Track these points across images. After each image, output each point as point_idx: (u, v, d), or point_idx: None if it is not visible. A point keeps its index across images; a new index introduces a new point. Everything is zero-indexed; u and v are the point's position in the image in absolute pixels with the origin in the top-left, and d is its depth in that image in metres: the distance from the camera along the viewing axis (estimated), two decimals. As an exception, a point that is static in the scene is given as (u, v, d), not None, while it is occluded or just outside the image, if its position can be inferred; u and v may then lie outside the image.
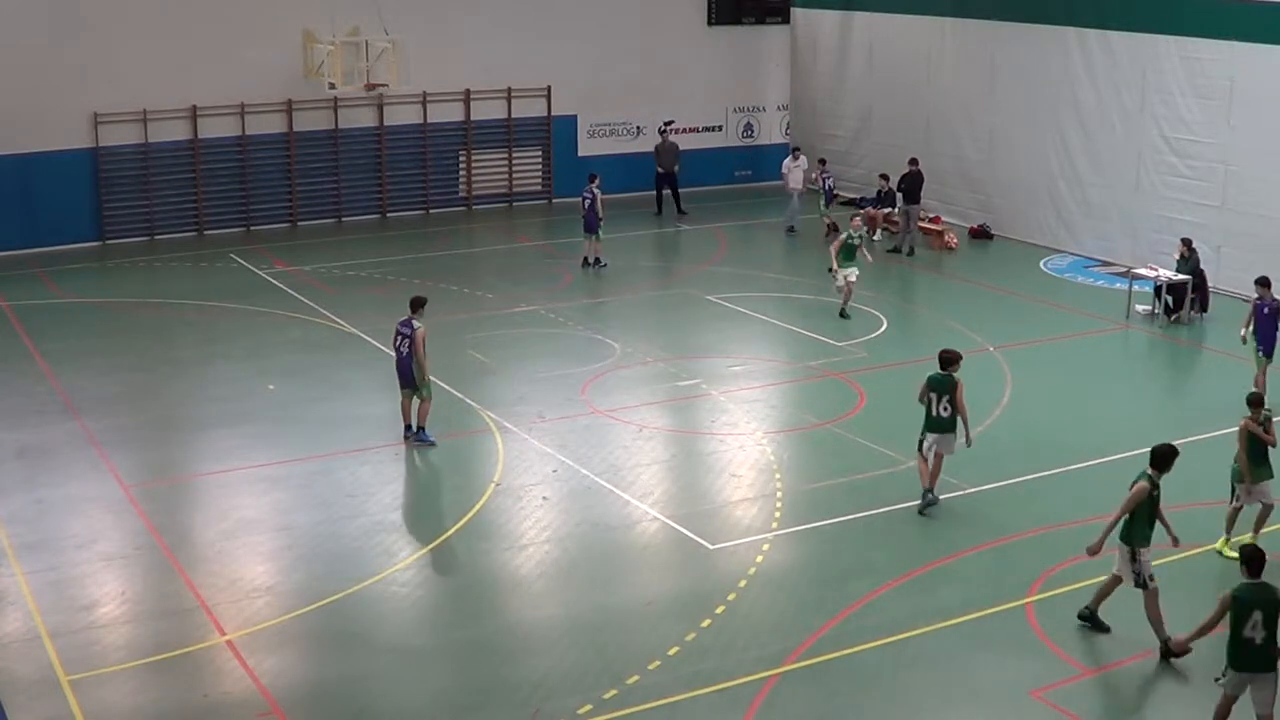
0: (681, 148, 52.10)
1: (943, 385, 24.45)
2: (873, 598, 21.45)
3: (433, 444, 27.31)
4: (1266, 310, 30.17)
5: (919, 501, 24.44)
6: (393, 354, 27.98)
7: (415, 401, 27.49)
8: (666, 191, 49.93)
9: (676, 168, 49.35)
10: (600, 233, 41.43)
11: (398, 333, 27.41)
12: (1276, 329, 30.12)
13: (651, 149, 50.48)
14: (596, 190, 41.39)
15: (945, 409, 24.29)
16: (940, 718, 18.51)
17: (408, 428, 27.51)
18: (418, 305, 27.66)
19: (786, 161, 47.62)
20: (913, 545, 23.30)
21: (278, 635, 20.21)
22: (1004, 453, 27.18)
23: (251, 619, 20.60)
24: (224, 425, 28.86)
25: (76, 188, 44.59)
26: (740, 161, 55.82)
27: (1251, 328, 30.41)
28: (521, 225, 48.43)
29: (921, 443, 24.55)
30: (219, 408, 29.88)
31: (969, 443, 24.49)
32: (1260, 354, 30.20)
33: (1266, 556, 16.97)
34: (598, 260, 41.42)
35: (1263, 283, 30.53)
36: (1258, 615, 16.31)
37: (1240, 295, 38.28)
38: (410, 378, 27.22)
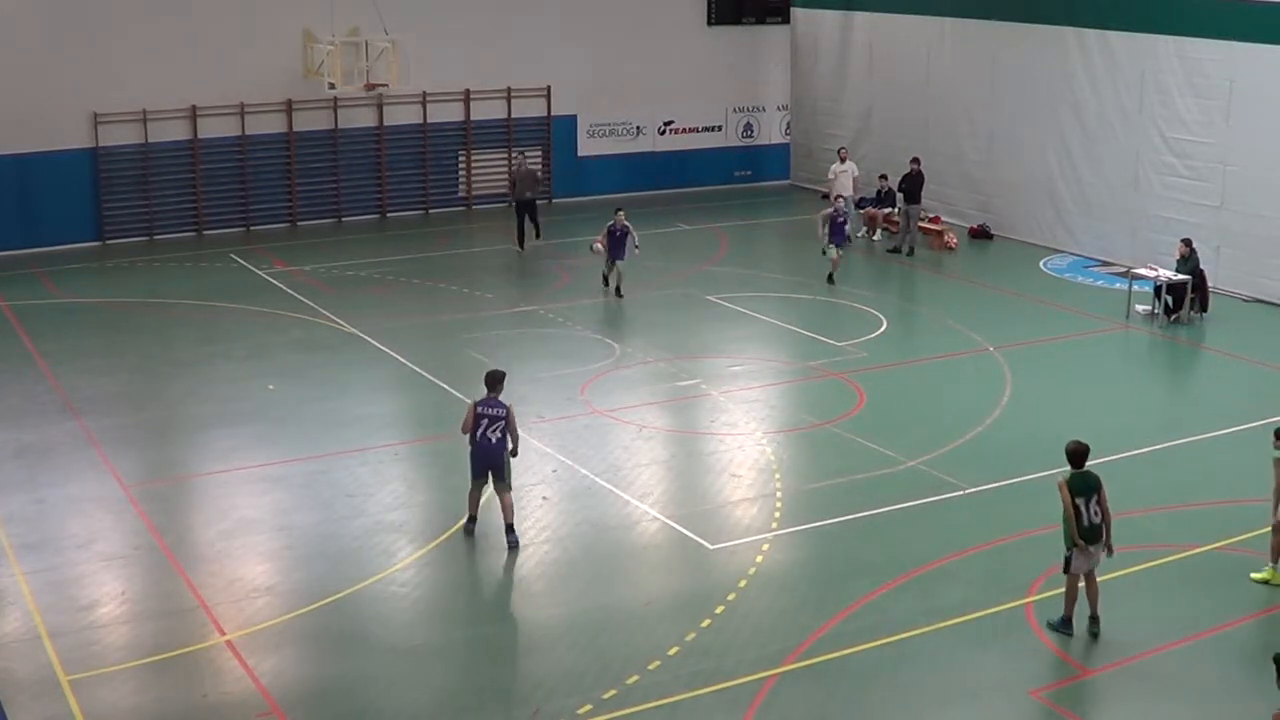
0: (681, 148, 52.34)
1: (1093, 485, 20.39)
2: (872, 598, 21.45)
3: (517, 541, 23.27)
4: None
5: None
6: (471, 435, 23.17)
7: (488, 492, 23.63)
8: (531, 221, 45.14)
9: (531, 194, 44.91)
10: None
11: (481, 416, 22.93)
12: None
13: (513, 174, 46.23)
14: (628, 223, 38.48)
15: (1096, 514, 20.23)
16: (939, 717, 18.50)
17: (472, 519, 23.55)
18: (498, 381, 23.41)
19: (834, 166, 46.92)
20: (912, 545, 23.28)
21: (277, 635, 20.21)
22: (1004, 452, 27.23)
23: (251, 619, 20.60)
24: (224, 425, 28.87)
25: (76, 188, 44.61)
26: (740, 161, 55.84)
27: None
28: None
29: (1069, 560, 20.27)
30: (219, 408, 29.89)
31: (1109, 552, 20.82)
32: None
33: None
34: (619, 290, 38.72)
35: None
36: None
37: (1239, 295, 38.40)
38: (502, 468, 23.06)
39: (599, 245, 38.20)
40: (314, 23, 45.73)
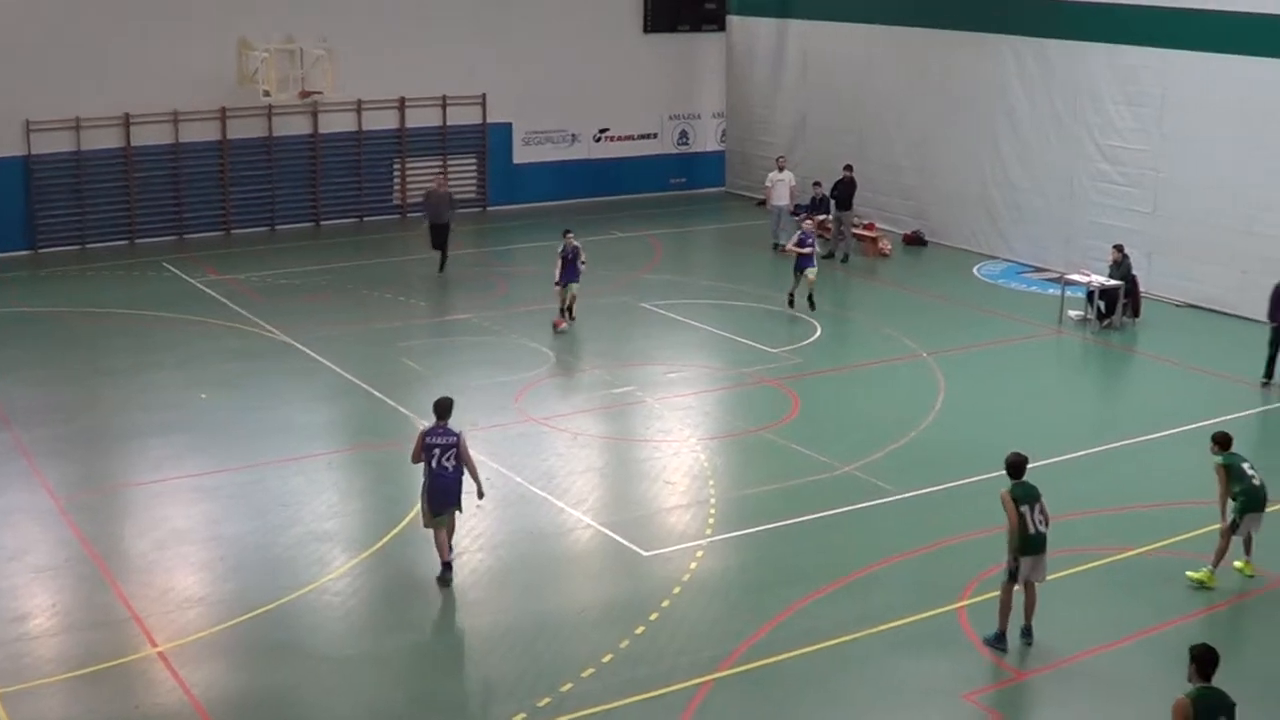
0: (617, 155, 52.44)
1: (1034, 495, 20.37)
2: (805, 603, 21.50)
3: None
4: None
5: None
6: (425, 463, 22.20)
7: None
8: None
9: (449, 219, 42.97)
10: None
11: (431, 445, 21.99)
12: None
13: (427, 195, 43.80)
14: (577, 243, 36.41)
15: (1042, 522, 20.15)
16: (872, 722, 18.61)
17: (447, 566, 22.17)
18: (448, 409, 22.38)
19: (771, 174, 46.83)
20: (845, 551, 23.36)
21: (210, 646, 20.09)
22: (937, 457, 27.34)
23: (184, 630, 20.48)
24: (156, 435, 28.71)
25: (8, 196, 44.25)
26: (675, 169, 55.92)
27: None
28: (456, 233, 48.29)
29: (1015, 571, 20.19)
30: (151, 417, 29.72)
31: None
32: None
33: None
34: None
35: None
36: None
37: (1171, 300, 38.68)
38: (457, 496, 22.21)
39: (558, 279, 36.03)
40: (249, 30, 45.57)
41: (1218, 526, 22.15)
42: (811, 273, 37.05)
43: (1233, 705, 14.67)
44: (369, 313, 37.07)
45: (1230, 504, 22.04)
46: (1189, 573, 22.01)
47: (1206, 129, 38.66)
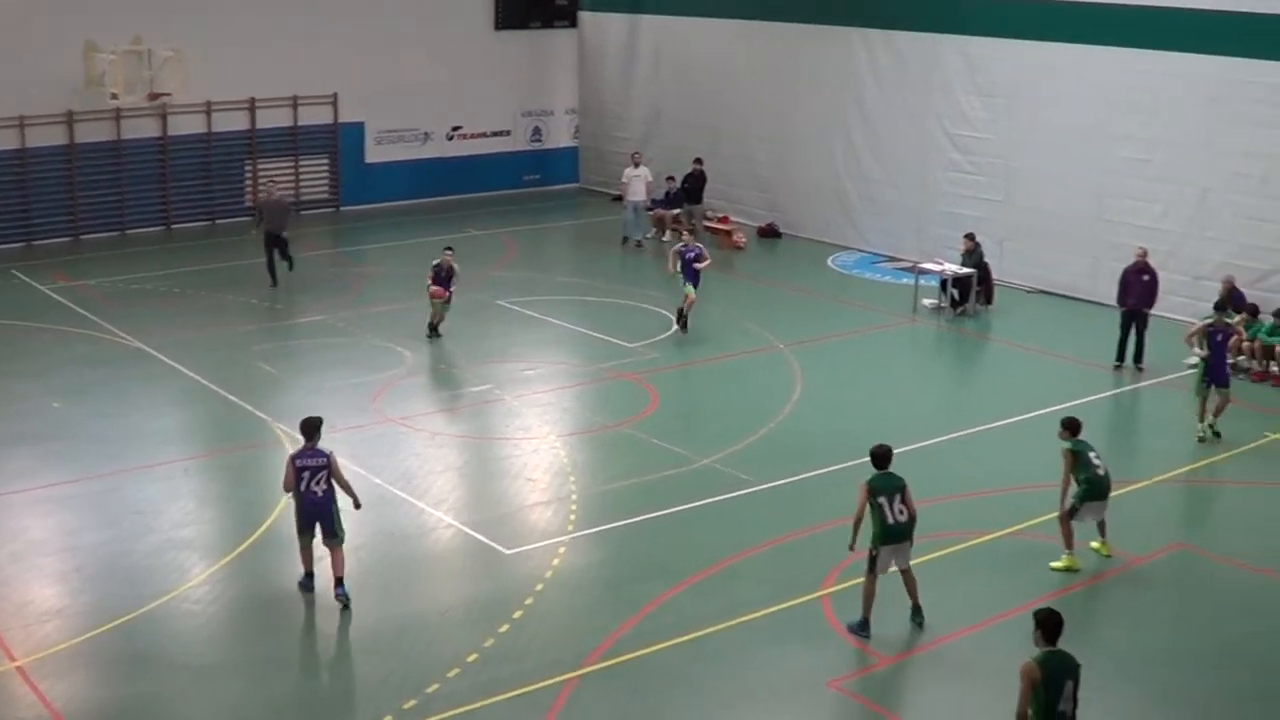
0: (470, 153, 52.32)
1: (897, 485, 20.54)
2: (669, 596, 21.55)
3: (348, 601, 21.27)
4: (1220, 337, 28.80)
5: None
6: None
7: (320, 546, 21.62)
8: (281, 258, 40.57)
9: (285, 232, 40.13)
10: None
11: (301, 469, 21.03)
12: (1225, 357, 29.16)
13: (258, 205, 42.06)
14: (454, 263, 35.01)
15: (901, 512, 20.34)
16: (740, 713, 18.65)
17: (309, 575, 21.62)
18: (315, 429, 21.42)
19: (627, 170, 46.78)
20: (707, 543, 23.44)
21: (70, 659, 19.78)
22: (796, 448, 27.50)
23: (42, 643, 20.14)
24: (8, 445, 28.18)
25: None
26: (529, 165, 55.81)
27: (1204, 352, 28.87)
28: (309, 234, 47.96)
29: (875, 559, 20.37)
30: (3, 428, 29.14)
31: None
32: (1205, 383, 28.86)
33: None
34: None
35: (1220, 306, 29.96)
36: (1069, 686, 15.06)
37: (1023, 287, 39.18)
38: (330, 520, 21.19)
39: (432, 287, 34.76)
40: (95, 32, 44.88)
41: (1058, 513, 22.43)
42: (691, 291, 35.22)
43: (1078, 666, 15.01)
44: (222, 316, 36.66)
45: (1072, 490, 22.29)
46: (1052, 564, 22.24)
47: (1055, 118, 39.26)
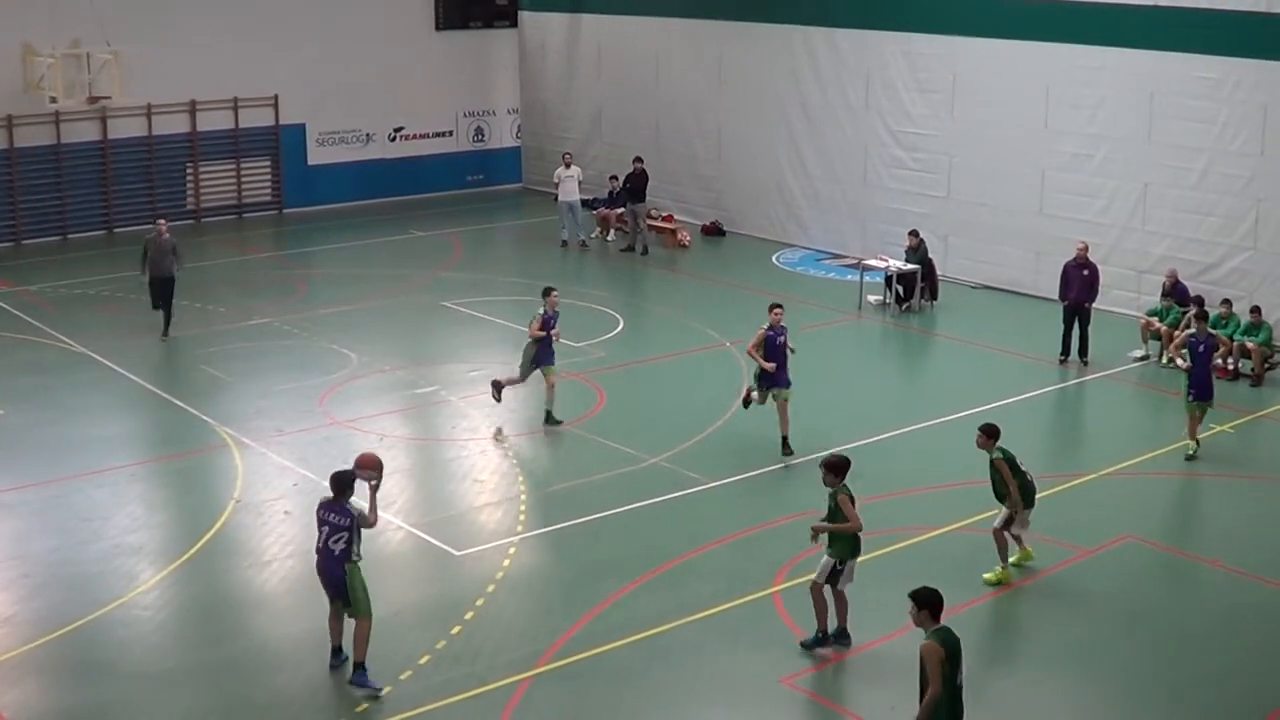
0: (413, 154, 52.28)
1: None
2: (621, 595, 21.57)
3: (377, 691, 18.89)
4: (1203, 348, 27.52)
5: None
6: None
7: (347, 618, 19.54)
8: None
9: (176, 269, 35.84)
10: None
11: (323, 522, 19.12)
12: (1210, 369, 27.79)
13: (147, 244, 36.08)
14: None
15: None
16: (693, 710, 18.68)
17: (337, 651, 19.55)
18: (342, 486, 19.21)
19: (559, 171, 46.52)
20: (658, 541, 23.47)
21: (18, 667, 19.64)
22: (744, 445, 27.54)
23: (-11, 651, 20.10)
24: (-49, 453, 28.07)
25: None
26: (472, 166, 55.75)
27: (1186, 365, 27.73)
28: (252, 237, 47.86)
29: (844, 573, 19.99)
30: (-55, 435, 29.06)
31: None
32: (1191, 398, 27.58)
33: None
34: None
35: (1201, 316, 29.00)
36: (960, 660, 15.42)
37: (967, 282, 39.37)
38: (344, 588, 19.04)
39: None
40: (33, 35, 44.64)
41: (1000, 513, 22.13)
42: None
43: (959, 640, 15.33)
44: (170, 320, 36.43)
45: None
46: (985, 576, 22.04)
47: (997, 114, 39.47)
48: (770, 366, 26.98)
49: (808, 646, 19.84)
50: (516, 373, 29.60)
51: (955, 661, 15.07)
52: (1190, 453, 27.30)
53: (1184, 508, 26.14)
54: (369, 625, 18.95)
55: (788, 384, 27.28)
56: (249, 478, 26.29)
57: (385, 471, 19.65)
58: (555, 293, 29.77)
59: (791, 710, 18.86)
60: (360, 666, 18.91)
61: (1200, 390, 27.21)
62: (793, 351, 27.55)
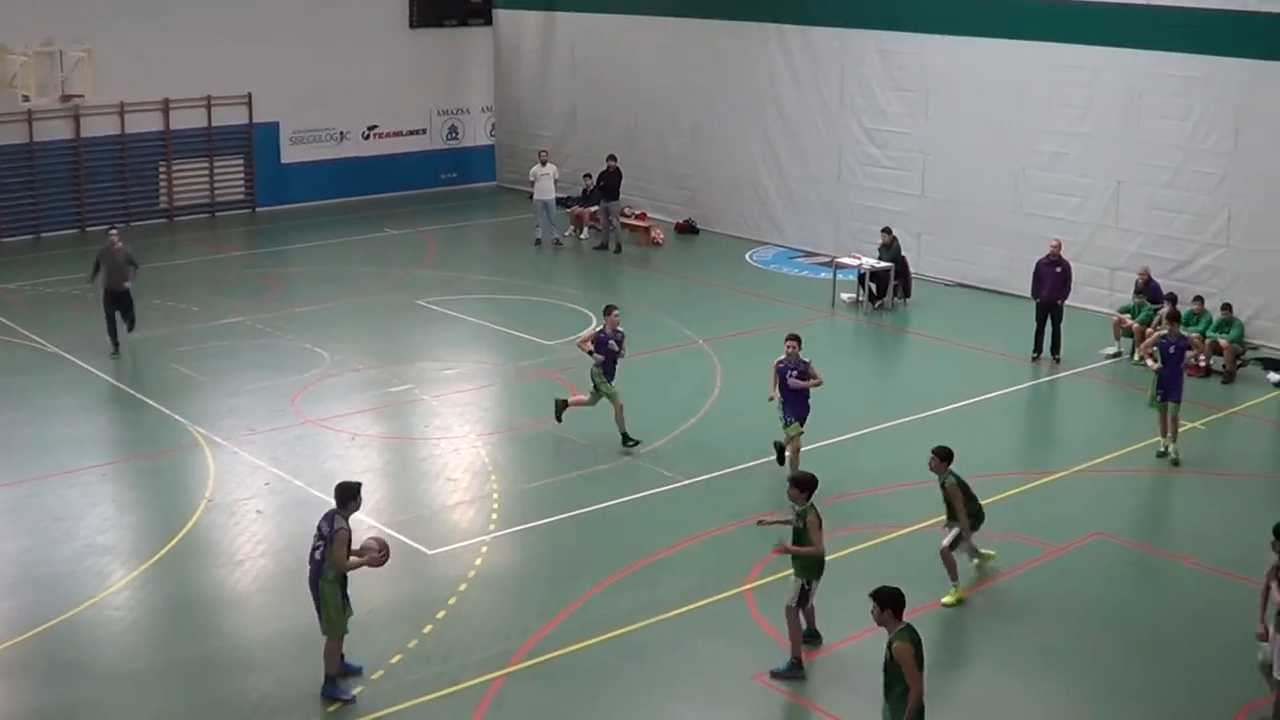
0: (386, 152, 52.24)
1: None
2: (593, 593, 21.58)
3: (349, 700, 18.66)
4: (1173, 349, 27.20)
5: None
6: None
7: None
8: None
9: (129, 283, 34.38)
10: None
11: (317, 529, 18.99)
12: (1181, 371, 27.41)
13: (101, 255, 34.55)
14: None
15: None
16: (666, 707, 18.71)
17: (327, 679, 18.89)
18: (342, 496, 18.95)
19: (534, 169, 46.31)
20: (631, 539, 23.50)
21: (-11, 666, 19.70)
22: (717, 443, 27.58)
23: (-39, 651, 20.04)
24: (-75, 452, 27.98)
25: None
26: (446, 164, 55.72)
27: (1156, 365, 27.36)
28: (225, 235, 47.79)
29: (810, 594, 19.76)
30: (-83, 434, 28.96)
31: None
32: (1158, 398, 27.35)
33: None
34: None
35: (1174, 316, 28.40)
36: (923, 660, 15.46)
37: (941, 280, 39.47)
38: (317, 599, 18.71)
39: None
40: (6, 34, 44.51)
41: (951, 533, 21.59)
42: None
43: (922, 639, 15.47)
44: (139, 319, 36.20)
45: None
46: (944, 600, 21.38)
47: (971, 112, 39.56)
48: (773, 395, 25.73)
49: (779, 675, 19.39)
50: (585, 395, 28.35)
51: (921, 662, 15.17)
52: (1162, 449, 27.23)
53: (1155, 505, 26.23)
54: (334, 646, 18.70)
55: (803, 418, 25.51)
56: (221, 477, 26.23)
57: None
58: (616, 311, 28.19)
59: (764, 707, 18.86)
60: (329, 680, 18.76)
61: (1169, 391, 27.02)
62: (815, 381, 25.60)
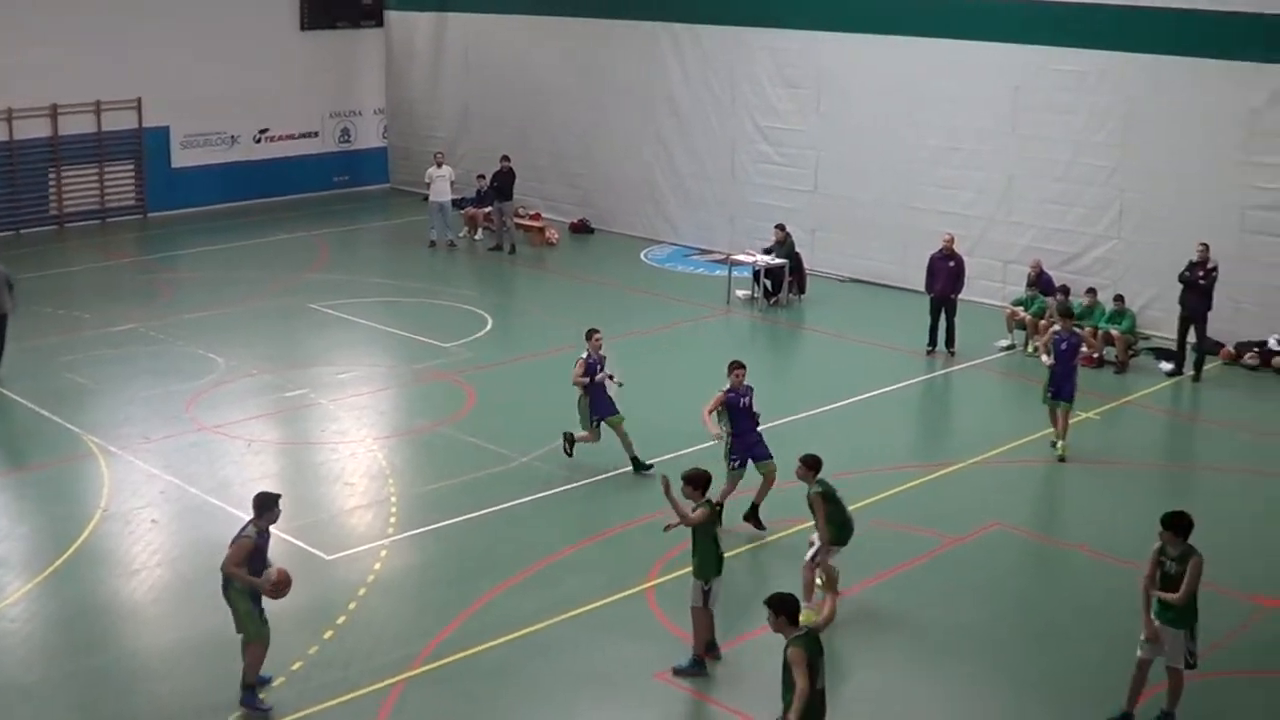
0: (277, 155, 51.81)
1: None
2: (494, 595, 21.53)
3: (265, 711, 18.39)
4: (1065, 346, 27.12)
5: None
6: None
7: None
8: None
9: (11, 306, 32.56)
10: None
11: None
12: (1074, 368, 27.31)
13: None
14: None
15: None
16: (569, 707, 18.69)
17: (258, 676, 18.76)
18: (257, 505, 18.64)
19: (430, 170, 46.13)
20: (531, 540, 23.44)
21: (-121, 682, 19.40)
22: (614, 443, 27.43)
23: None
24: None
25: None
26: (339, 167, 55.40)
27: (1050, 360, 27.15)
28: (116, 241, 47.28)
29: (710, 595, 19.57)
30: None
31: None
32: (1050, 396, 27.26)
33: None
34: None
35: (1065, 312, 28.59)
36: (821, 664, 15.54)
37: (835, 276, 39.66)
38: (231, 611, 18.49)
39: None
40: (-114, 41, 44.04)
41: (814, 543, 20.94)
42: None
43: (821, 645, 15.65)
44: (29, 328, 35.64)
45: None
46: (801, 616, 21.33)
47: (863, 108, 39.83)
48: (716, 432, 23.94)
49: (681, 672, 19.38)
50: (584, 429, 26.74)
51: (815, 668, 15.19)
52: (1053, 442, 27.30)
53: (1050, 495, 26.43)
54: (256, 650, 18.39)
55: (768, 455, 24.01)
56: (116, 486, 25.94)
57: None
58: (598, 334, 26.76)
59: (667, 704, 18.86)
60: (248, 688, 18.44)
61: (1059, 389, 27.02)
62: (757, 415, 24.40)
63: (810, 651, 15.19)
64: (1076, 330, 28.18)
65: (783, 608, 15.44)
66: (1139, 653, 17.84)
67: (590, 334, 26.66)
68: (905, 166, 39.02)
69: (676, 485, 19.11)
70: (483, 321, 36.17)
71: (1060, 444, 27.19)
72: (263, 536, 18.46)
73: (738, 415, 23.85)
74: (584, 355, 26.29)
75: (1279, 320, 33.32)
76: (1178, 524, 17.46)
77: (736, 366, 24.04)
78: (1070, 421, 27.37)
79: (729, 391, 23.84)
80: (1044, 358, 27.56)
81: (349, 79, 55.63)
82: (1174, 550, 17.47)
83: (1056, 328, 27.66)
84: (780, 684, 15.34)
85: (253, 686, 18.47)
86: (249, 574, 18.13)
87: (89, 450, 27.67)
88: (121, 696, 19.07)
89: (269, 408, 30.50)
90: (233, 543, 18.26)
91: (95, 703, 18.88)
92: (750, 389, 24.17)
